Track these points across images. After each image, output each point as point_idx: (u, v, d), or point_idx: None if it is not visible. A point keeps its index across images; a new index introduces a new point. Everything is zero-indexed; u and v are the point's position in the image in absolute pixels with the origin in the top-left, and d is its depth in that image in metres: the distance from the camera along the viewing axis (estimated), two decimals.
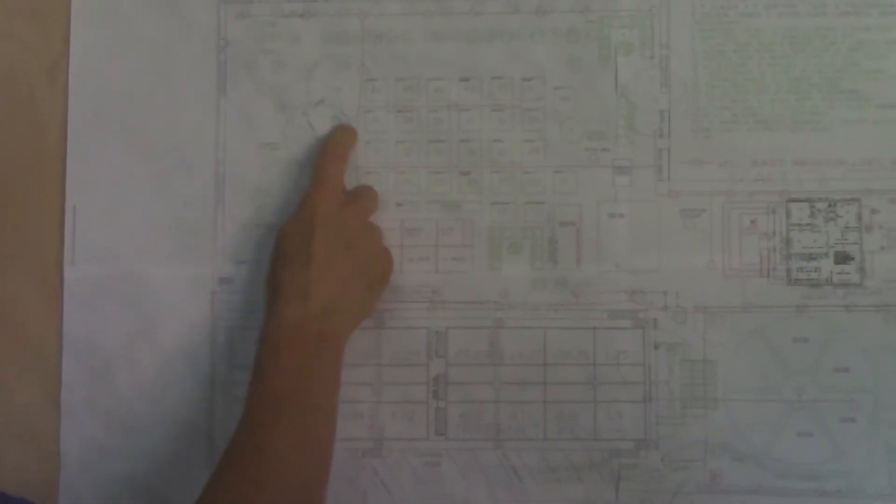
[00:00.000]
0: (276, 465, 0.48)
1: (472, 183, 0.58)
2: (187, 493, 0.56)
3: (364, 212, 0.56)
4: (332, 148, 0.57)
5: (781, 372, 0.56)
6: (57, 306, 0.57)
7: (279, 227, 0.55)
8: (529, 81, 0.58)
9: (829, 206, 0.57)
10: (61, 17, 0.58)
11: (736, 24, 0.57)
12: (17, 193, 0.58)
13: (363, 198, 0.56)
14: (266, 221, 0.58)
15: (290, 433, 0.50)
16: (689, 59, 0.57)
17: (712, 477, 0.56)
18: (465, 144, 0.58)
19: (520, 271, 0.57)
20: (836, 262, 0.57)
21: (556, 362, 0.57)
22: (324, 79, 0.58)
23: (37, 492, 0.57)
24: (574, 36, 0.58)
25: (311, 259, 0.52)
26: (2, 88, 0.58)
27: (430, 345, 0.57)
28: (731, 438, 0.56)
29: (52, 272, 0.58)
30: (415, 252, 0.57)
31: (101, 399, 0.57)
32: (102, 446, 0.57)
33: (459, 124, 0.58)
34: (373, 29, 0.58)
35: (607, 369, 0.57)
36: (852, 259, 0.57)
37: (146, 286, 0.57)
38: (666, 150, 0.57)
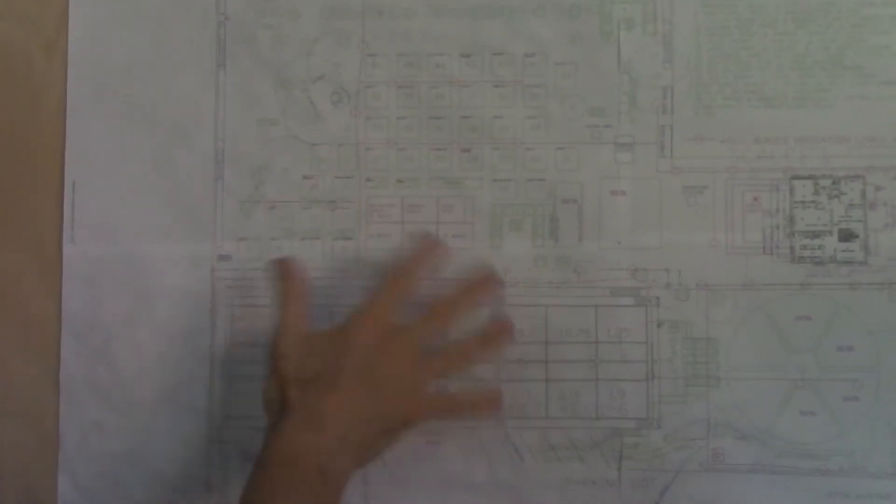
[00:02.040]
0: None
1: (472, 160, 0.57)
2: (187, 471, 0.56)
3: (411, 346, 0.52)
4: (413, 264, 0.54)
5: (784, 350, 0.56)
6: (56, 284, 0.57)
7: (304, 337, 0.51)
8: (531, 57, 0.57)
9: (833, 183, 0.56)
10: None
11: None
12: (16, 170, 0.58)
13: (410, 331, 0.52)
14: (266, 198, 0.57)
15: None
16: (691, 35, 0.57)
17: (714, 455, 0.56)
18: (466, 121, 0.57)
19: (521, 248, 0.57)
20: (840, 240, 0.56)
21: (558, 340, 0.56)
22: (324, 54, 0.58)
23: (35, 470, 0.57)
24: (576, 11, 0.57)
25: (336, 386, 0.48)
26: (0, 63, 0.58)
27: None
28: (733, 417, 0.56)
29: (51, 250, 0.57)
30: (415, 229, 0.57)
31: (100, 377, 0.57)
32: (101, 425, 0.57)
33: (460, 100, 0.57)
34: (373, 4, 0.58)
35: (609, 347, 0.56)
36: (856, 236, 0.56)
37: (145, 264, 0.57)
38: (668, 126, 0.57)
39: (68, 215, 0.57)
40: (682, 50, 0.57)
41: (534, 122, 0.57)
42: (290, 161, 0.57)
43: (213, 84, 0.58)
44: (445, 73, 0.57)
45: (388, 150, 0.57)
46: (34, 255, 0.57)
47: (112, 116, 0.58)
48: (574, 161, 0.57)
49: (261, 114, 0.58)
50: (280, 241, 0.57)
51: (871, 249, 0.56)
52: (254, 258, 0.57)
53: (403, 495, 0.56)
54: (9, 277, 0.57)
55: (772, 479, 0.55)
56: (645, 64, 0.57)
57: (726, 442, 0.56)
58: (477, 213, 0.57)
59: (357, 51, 0.58)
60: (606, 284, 0.57)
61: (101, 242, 0.57)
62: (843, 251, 0.56)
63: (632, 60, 0.57)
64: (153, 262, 0.57)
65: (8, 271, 0.57)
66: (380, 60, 0.58)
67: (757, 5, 0.57)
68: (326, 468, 0.47)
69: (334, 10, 0.58)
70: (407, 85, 0.58)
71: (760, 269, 0.56)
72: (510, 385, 0.56)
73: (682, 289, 0.56)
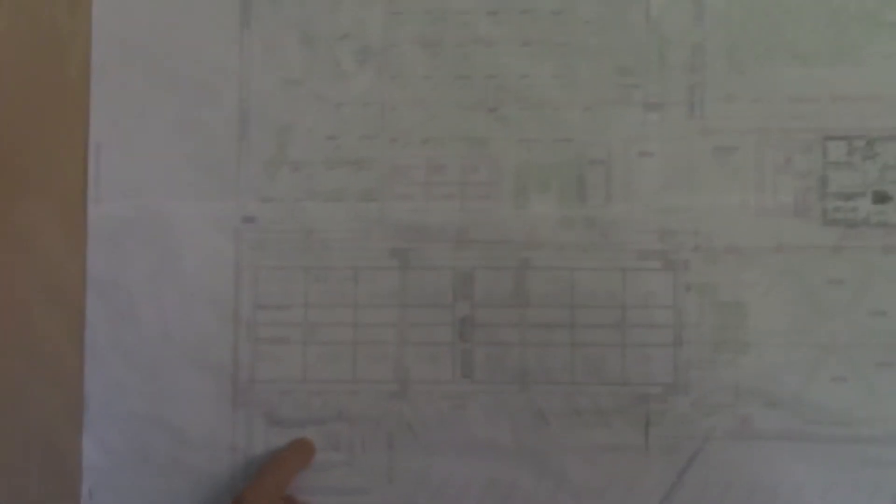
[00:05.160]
0: None
1: (499, 120, 0.56)
2: (211, 433, 0.56)
3: None
4: (283, 459, 0.55)
5: (815, 315, 0.55)
6: (81, 244, 0.57)
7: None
8: (559, 15, 0.56)
9: (868, 143, 0.55)
10: None
11: None
12: (41, 130, 0.57)
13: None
14: (290, 159, 0.57)
15: None
16: None
17: (743, 422, 0.55)
18: (492, 80, 0.57)
19: (547, 210, 0.56)
20: (875, 202, 0.55)
21: (584, 304, 0.56)
22: (349, 12, 0.57)
23: (60, 429, 0.57)
24: None
25: None
26: (24, 22, 0.58)
27: (456, 285, 0.56)
28: (762, 383, 0.55)
29: (76, 210, 0.57)
30: (440, 190, 0.56)
31: (124, 338, 0.57)
32: (126, 385, 0.57)
33: (487, 59, 0.57)
34: None
35: (636, 311, 0.55)
36: (891, 198, 0.55)
37: (170, 224, 0.57)
38: (699, 85, 0.56)
39: (93, 175, 0.57)
40: (714, 6, 0.56)
41: (561, 81, 0.56)
42: (315, 121, 0.57)
43: (238, 42, 0.57)
44: (472, 31, 0.57)
45: (414, 110, 0.57)
46: (59, 215, 0.57)
47: (136, 76, 0.57)
48: (602, 121, 0.56)
49: (285, 73, 0.57)
50: (304, 202, 0.57)
51: None
52: (278, 219, 0.57)
53: (428, 459, 0.56)
54: (34, 237, 0.57)
55: (802, 446, 0.54)
56: (675, 21, 0.56)
57: (755, 408, 0.55)
58: (503, 173, 0.56)
59: (382, 8, 0.57)
60: (634, 247, 0.56)
61: (125, 202, 0.57)
62: (877, 213, 0.55)
63: (661, 18, 0.56)
64: (178, 222, 0.57)
65: (33, 231, 0.57)
66: (405, 18, 0.57)
67: None
68: None
69: None
70: (432, 43, 0.57)
71: (792, 231, 0.55)
72: (536, 349, 0.56)
73: (711, 252, 0.55)
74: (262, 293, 0.57)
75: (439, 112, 0.57)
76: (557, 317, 0.56)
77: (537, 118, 0.56)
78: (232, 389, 0.56)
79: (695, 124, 0.56)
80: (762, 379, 0.55)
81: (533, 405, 0.56)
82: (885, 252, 0.55)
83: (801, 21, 0.55)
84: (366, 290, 0.56)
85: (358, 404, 0.56)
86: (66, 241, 0.57)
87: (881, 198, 0.55)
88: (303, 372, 0.56)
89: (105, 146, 0.57)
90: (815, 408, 0.55)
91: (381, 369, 0.56)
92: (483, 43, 0.57)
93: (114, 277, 0.57)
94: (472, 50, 0.57)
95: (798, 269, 0.55)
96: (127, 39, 0.57)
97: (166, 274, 0.57)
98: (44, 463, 0.57)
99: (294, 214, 0.57)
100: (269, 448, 0.56)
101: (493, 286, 0.56)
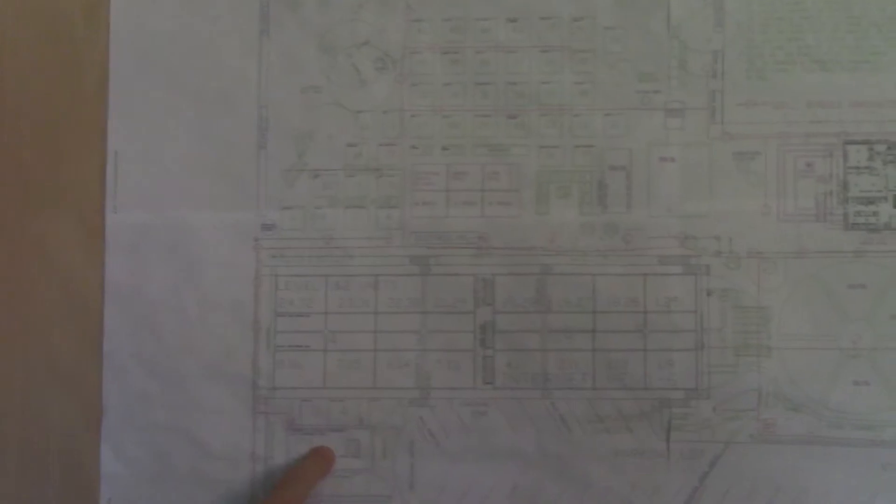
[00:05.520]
0: None
1: (519, 126, 0.56)
2: (231, 442, 0.56)
3: None
4: (303, 468, 0.55)
5: (837, 319, 0.55)
6: (99, 254, 0.57)
7: None
8: (579, 21, 0.56)
9: (889, 148, 0.55)
10: None
11: None
12: (59, 139, 0.57)
13: None
14: (310, 166, 0.57)
15: None
16: None
17: (765, 427, 0.55)
18: (512, 87, 0.56)
19: (568, 216, 0.56)
20: None
21: (606, 310, 0.56)
22: (369, 19, 0.57)
23: (79, 440, 0.56)
24: None
25: None
26: (41, 30, 0.57)
27: (477, 292, 0.56)
28: (785, 387, 0.55)
29: (94, 219, 0.57)
30: (460, 197, 0.56)
31: (143, 347, 0.56)
32: (145, 395, 0.56)
33: (507, 66, 0.56)
34: None
35: (658, 317, 0.55)
36: None
37: (189, 233, 0.57)
38: (719, 91, 0.56)
39: (111, 184, 0.57)
40: (734, 13, 0.56)
41: (581, 87, 0.56)
42: (334, 128, 0.57)
43: (257, 50, 0.57)
44: (492, 38, 0.57)
45: (434, 117, 0.57)
46: (77, 224, 0.57)
47: (154, 84, 0.57)
48: (622, 127, 0.56)
49: (304, 81, 0.57)
50: (324, 209, 0.57)
51: None
52: (298, 227, 0.56)
53: (450, 466, 0.55)
54: (52, 246, 0.57)
55: (824, 450, 0.54)
56: (695, 28, 0.56)
57: (777, 413, 0.55)
58: (523, 180, 0.56)
59: (402, 16, 0.57)
60: (655, 252, 0.56)
61: (144, 211, 0.57)
62: None
63: (682, 24, 0.56)
64: (196, 231, 0.57)
65: (51, 240, 0.57)
66: (425, 26, 0.57)
67: None
68: None
69: None
70: (452, 50, 0.57)
71: (813, 236, 0.55)
72: (557, 355, 0.55)
73: (733, 257, 0.55)
74: (282, 301, 0.56)
75: (459, 119, 0.56)
76: (579, 322, 0.56)
77: (558, 124, 0.56)
78: (252, 397, 0.56)
79: (716, 129, 0.56)
80: (784, 383, 0.55)
81: (555, 411, 0.55)
82: None
83: (822, 27, 0.55)
84: (386, 296, 0.56)
85: (379, 411, 0.56)
86: (85, 251, 0.57)
87: None
88: (323, 379, 0.56)
89: (123, 155, 0.57)
90: (837, 412, 0.55)
91: (402, 376, 0.56)
92: (503, 50, 0.56)
93: (133, 286, 0.57)
94: (493, 57, 0.56)
95: (820, 273, 0.55)
96: (145, 48, 0.57)
97: (185, 282, 0.57)
98: (62, 473, 0.56)
99: (314, 222, 0.57)
100: (290, 456, 0.56)
101: (515, 292, 0.56)
